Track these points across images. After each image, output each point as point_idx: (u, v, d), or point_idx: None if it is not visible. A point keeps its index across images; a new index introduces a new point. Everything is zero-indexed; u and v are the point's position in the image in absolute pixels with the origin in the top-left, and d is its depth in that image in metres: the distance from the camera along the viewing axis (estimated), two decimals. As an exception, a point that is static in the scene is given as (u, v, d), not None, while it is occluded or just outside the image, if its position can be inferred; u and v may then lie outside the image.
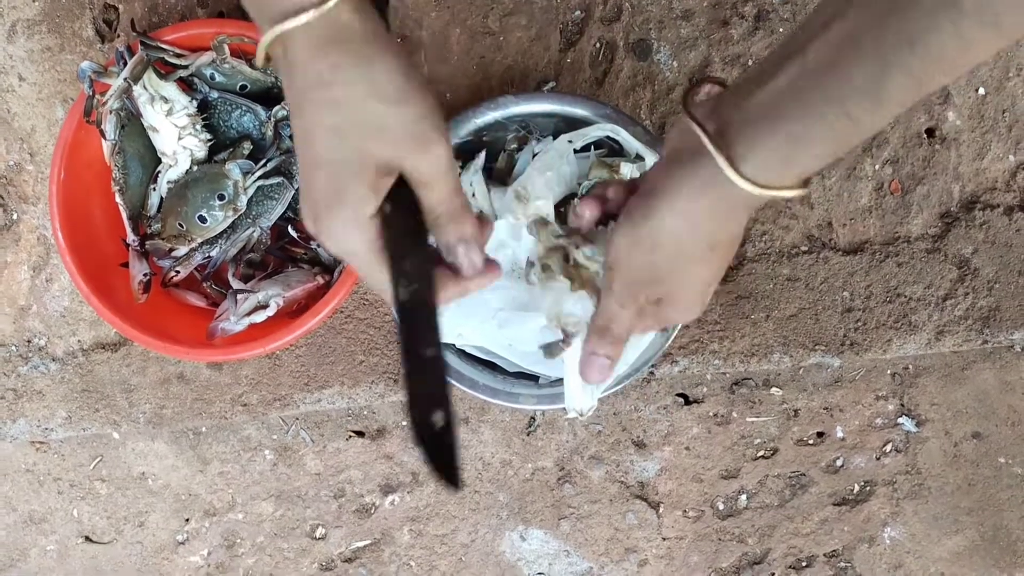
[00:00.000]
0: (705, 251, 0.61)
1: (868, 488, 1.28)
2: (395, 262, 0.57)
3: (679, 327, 1.00)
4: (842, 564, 1.29)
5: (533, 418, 1.26)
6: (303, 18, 0.52)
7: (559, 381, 1.01)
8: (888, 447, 1.27)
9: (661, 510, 1.28)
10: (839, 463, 1.27)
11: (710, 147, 0.55)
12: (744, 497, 1.28)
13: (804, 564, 1.29)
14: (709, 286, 0.66)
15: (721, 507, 1.28)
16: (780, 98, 0.52)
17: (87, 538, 1.33)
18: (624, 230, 0.63)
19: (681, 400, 1.26)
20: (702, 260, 0.62)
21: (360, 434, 1.28)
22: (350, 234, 0.57)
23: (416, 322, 0.57)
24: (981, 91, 1.18)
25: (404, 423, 1.27)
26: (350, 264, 0.61)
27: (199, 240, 1.10)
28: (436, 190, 0.58)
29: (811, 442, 1.27)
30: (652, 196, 0.60)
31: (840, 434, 1.26)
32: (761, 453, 1.27)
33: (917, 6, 0.46)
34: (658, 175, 0.61)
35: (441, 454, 0.53)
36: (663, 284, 0.65)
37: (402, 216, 0.58)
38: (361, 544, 1.30)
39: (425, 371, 0.55)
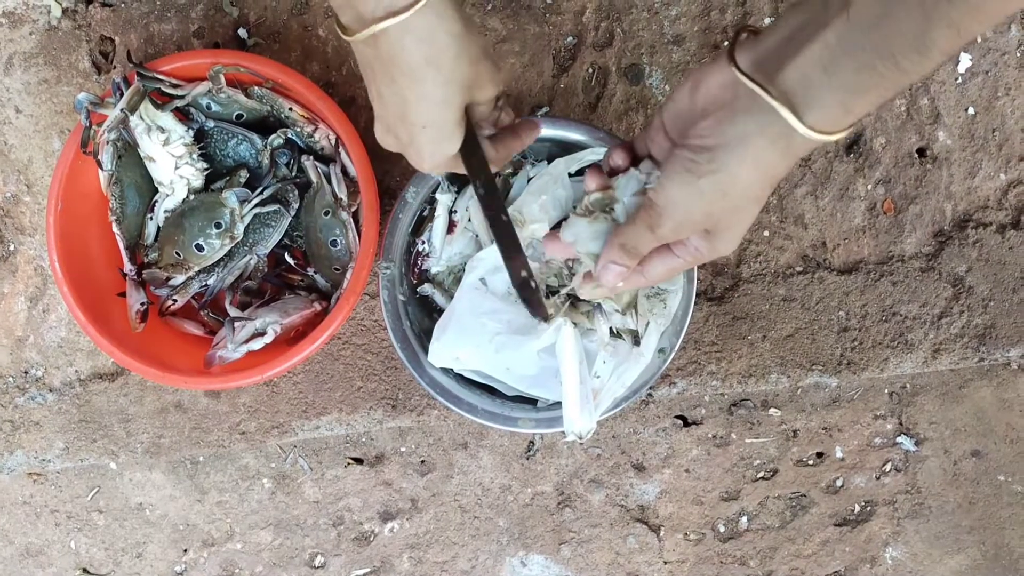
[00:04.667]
0: (766, 193, 0.67)
1: (869, 508, 1.28)
2: (468, 161, 0.77)
3: (676, 349, 1.00)
4: (844, 585, 1.29)
5: (532, 442, 1.26)
6: (401, 17, 0.62)
7: (558, 404, 1.00)
8: (888, 466, 1.27)
9: (662, 533, 1.27)
10: (839, 483, 1.27)
11: (781, 109, 0.59)
12: (745, 519, 1.28)
13: (806, 586, 1.29)
14: (752, 221, 0.71)
15: (722, 529, 1.28)
16: (832, 54, 0.56)
17: (85, 570, 1.32)
18: (685, 180, 0.66)
19: (680, 422, 1.26)
20: (760, 201, 0.68)
21: (359, 461, 1.27)
22: (447, 155, 0.75)
23: (492, 199, 0.78)
24: (971, 111, 1.19)
25: (402, 449, 1.26)
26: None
27: (196, 268, 1.10)
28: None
29: (811, 462, 1.27)
30: (717, 150, 0.63)
31: (839, 454, 1.26)
32: (761, 474, 1.27)
33: None
34: (720, 127, 0.63)
35: (532, 295, 0.81)
36: (719, 224, 0.69)
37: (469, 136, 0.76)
38: (361, 572, 1.30)
39: (507, 232, 0.79)
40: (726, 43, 1.18)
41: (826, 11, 0.56)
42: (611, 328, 0.99)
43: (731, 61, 0.62)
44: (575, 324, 0.96)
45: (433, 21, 0.63)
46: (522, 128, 0.83)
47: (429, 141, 0.72)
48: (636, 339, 0.98)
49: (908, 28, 0.53)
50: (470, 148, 0.76)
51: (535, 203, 1.00)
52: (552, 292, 0.99)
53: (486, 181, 0.78)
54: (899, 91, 0.59)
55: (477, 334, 0.97)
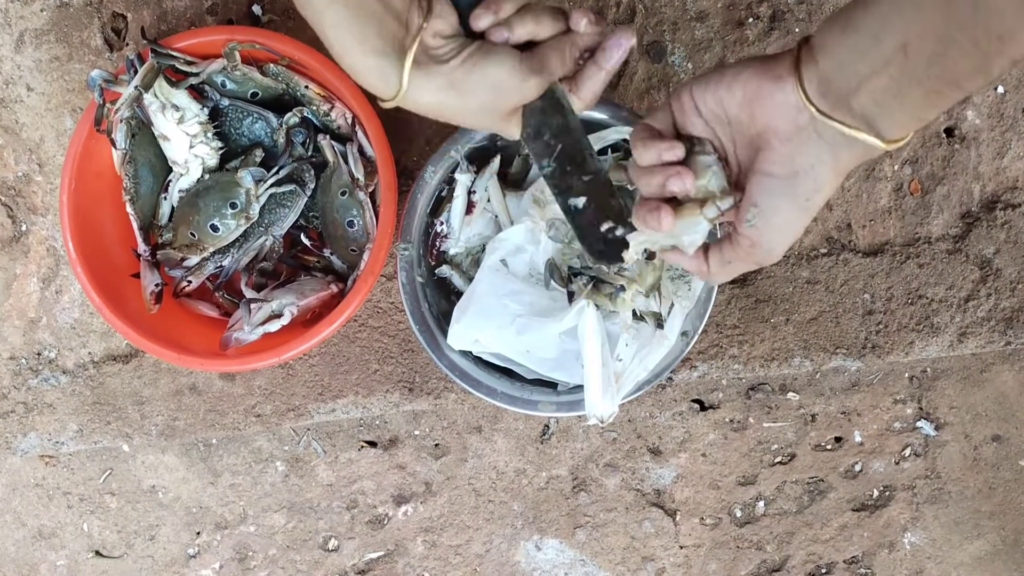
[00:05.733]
0: None
1: (887, 493, 1.27)
2: (533, 143, 0.76)
3: (699, 332, 0.99)
4: (862, 571, 1.28)
5: (547, 426, 1.25)
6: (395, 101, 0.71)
7: (578, 388, 0.99)
8: (907, 451, 1.26)
9: (678, 518, 1.27)
10: (858, 468, 1.26)
11: (864, 137, 0.61)
12: (762, 504, 1.27)
13: (824, 571, 1.28)
14: None
15: (739, 514, 1.27)
16: (899, 85, 0.58)
17: (97, 552, 1.32)
18: (790, 207, 0.67)
19: (697, 406, 1.24)
20: None
21: (372, 444, 1.27)
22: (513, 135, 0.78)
23: (566, 169, 0.76)
24: (1000, 89, 1.17)
25: (416, 432, 1.25)
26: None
27: (211, 249, 1.09)
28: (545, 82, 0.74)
29: (829, 447, 1.26)
30: (813, 171, 0.64)
31: (858, 438, 1.25)
32: (778, 459, 1.26)
33: (1000, 12, 0.51)
34: (798, 153, 0.64)
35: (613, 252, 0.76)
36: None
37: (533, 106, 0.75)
38: (374, 556, 1.29)
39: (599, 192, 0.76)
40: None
41: (879, 45, 0.57)
42: (634, 311, 0.97)
43: (805, 97, 0.62)
44: (598, 306, 0.95)
45: (418, 94, 0.70)
46: (601, 56, 0.75)
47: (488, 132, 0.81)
48: (659, 322, 0.97)
49: (967, 64, 0.54)
50: (539, 123, 0.75)
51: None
52: (575, 274, 0.98)
53: (558, 155, 0.76)
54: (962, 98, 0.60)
55: (498, 316, 0.96)
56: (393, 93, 0.70)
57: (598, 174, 0.76)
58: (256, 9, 1.18)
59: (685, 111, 0.70)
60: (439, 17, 0.71)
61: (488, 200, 1.04)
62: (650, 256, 0.81)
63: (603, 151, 1.02)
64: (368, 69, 0.69)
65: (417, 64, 0.70)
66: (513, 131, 0.77)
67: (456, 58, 0.71)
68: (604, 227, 0.76)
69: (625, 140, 1.01)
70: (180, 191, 1.10)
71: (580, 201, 0.76)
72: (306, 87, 1.08)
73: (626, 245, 0.76)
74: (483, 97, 0.71)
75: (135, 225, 1.09)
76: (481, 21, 0.72)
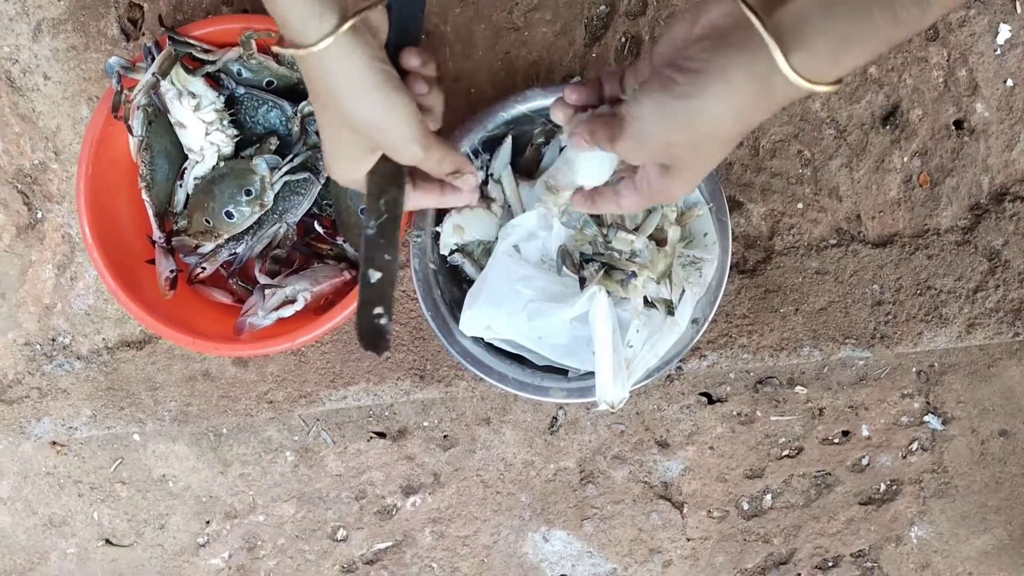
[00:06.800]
0: (733, 137, 0.64)
1: (894, 487, 1.27)
2: (370, 199, 0.78)
3: (709, 319, 1.00)
4: (869, 564, 1.28)
5: (555, 418, 1.25)
6: (303, 52, 0.64)
7: (589, 374, 1.00)
8: (914, 445, 1.26)
9: (685, 510, 1.27)
10: (865, 462, 1.26)
11: (770, 42, 0.56)
12: (769, 497, 1.27)
13: (830, 564, 1.28)
14: (713, 167, 0.70)
15: (746, 507, 1.27)
16: None
17: (107, 541, 1.32)
18: (658, 99, 0.64)
19: (704, 399, 1.25)
20: (725, 145, 0.65)
21: (381, 435, 1.27)
22: (350, 178, 0.78)
23: (375, 243, 0.77)
24: (1009, 82, 1.18)
25: (425, 424, 1.26)
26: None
27: (225, 236, 1.09)
28: (417, 166, 0.76)
29: (836, 441, 1.26)
30: (699, 75, 0.60)
31: (866, 432, 1.26)
32: (786, 452, 1.26)
33: None
34: (706, 53, 0.61)
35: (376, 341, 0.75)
36: (677, 159, 0.67)
37: (384, 168, 0.78)
38: (383, 546, 1.29)
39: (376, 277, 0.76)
40: None
41: None
42: (645, 297, 0.98)
43: None
44: (609, 292, 0.95)
45: (330, 58, 0.65)
46: (448, 191, 0.83)
47: (327, 156, 0.76)
48: (670, 308, 0.98)
49: None
50: (381, 185, 0.78)
51: (569, 170, 0.99)
52: (586, 260, 0.99)
53: (382, 223, 0.78)
54: (891, 47, 0.56)
55: (510, 301, 0.96)
56: (310, 40, 0.63)
57: (395, 261, 0.78)
58: None
59: (640, 62, 0.72)
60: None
61: (503, 190, 1.04)
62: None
63: None
64: (295, 2, 0.62)
65: (355, 29, 0.64)
66: (356, 173, 0.76)
67: (380, 61, 0.66)
68: (376, 310, 0.78)
69: None
70: (195, 178, 1.11)
71: (376, 276, 0.78)
72: (321, 76, 1.08)
73: (385, 337, 0.78)
74: (372, 112, 0.68)
75: (150, 212, 1.10)
76: (411, 60, 0.72)
